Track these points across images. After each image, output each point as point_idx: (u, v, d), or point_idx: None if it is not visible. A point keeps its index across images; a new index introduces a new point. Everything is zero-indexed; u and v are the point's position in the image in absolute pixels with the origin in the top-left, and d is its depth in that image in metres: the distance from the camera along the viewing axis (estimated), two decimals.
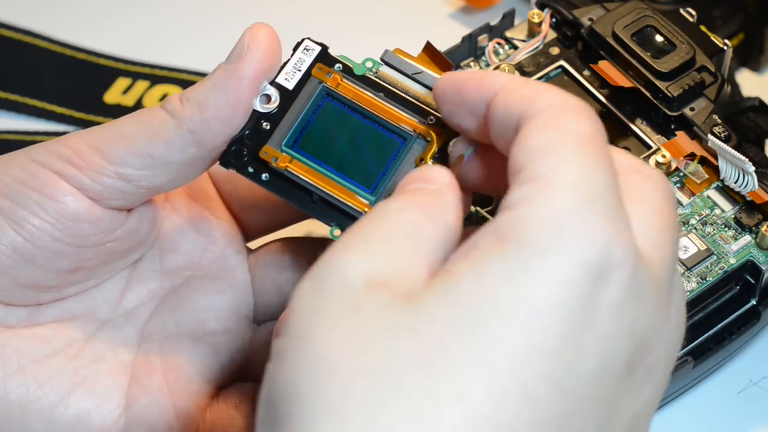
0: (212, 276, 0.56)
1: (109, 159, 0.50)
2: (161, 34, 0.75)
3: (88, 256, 0.52)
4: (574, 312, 0.40)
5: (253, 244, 0.59)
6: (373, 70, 0.52)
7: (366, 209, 0.50)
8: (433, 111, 0.51)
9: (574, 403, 0.40)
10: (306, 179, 0.51)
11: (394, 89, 0.52)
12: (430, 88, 0.52)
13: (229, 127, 0.50)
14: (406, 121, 0.51)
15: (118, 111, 0.71)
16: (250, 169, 0.51)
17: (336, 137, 0.51)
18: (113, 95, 0.72)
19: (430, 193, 0.45)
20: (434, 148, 0.51)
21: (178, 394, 0.53)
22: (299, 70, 0.52)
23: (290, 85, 0.51)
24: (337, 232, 0.50)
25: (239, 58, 0.50)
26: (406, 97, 0.52)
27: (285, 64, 0.52)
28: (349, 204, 0.50)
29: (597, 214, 0.40)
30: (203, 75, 0.73)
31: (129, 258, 0.54)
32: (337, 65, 0.52)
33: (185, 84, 0.72)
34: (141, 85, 0.72)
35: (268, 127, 0.51)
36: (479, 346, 0.39)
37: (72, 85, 0.72)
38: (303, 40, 0.52)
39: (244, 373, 0.56)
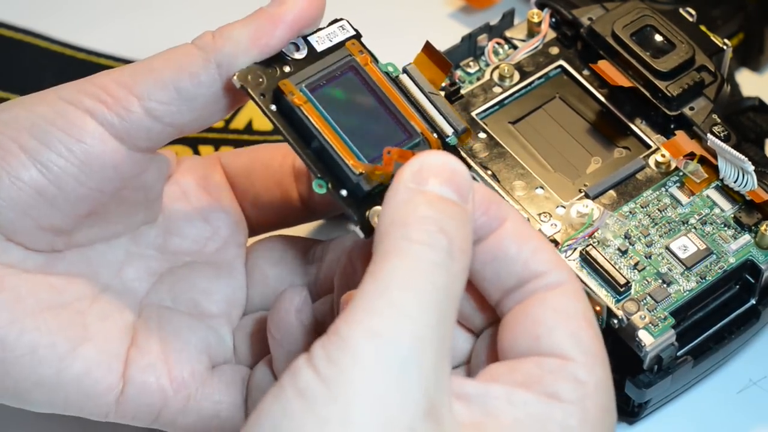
0: (212, 264, 0.57)
1: (136, 93, 0.50)
2: (161, 34, 0.75)
3: (104, 201, 0.52)
4: None
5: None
6: (394, 74, 0.53)
7: (361, 170, 0.50)
8: (437, 131, 0.52)
9: None
10: (314, 123, 0.51)
11: (409, 95, 0.52)
12: (440, 111, 0.52)
13: (258, 55, 0.51)
14: (418, 121, 0.52)
15: None
16: (262, 95, 0.51)
17: (349, 108, 0.52)
18: None
19: (453, 215, 0.46)
20: None
21: (173, 360, 0.54)
22: (330, 41, 0.53)
23: (319, 48, 0.52)
24: (320, 186, 0.50)
25: (281, 2, 0.51)
26: (419, 105, 0.52)
27: (318, 30, 0.53)
28: (346, 161, 0.50)
29: None
30: None
31: (134, 218, 0.55)
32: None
33: None
34: None
35: (288, 71, 0.52)
36: None
37: None
38: (341, 18, 0.53)
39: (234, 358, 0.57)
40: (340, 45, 0.53)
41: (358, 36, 0.53)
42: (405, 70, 0.53)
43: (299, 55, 0.52)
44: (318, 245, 0.57)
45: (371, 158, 0.51)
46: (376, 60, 0.53)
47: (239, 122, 0.71)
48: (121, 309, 0.55)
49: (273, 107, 0.51)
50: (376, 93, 0.52)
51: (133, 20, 0.75)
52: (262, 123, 0.71)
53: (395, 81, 0.53)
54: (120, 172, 0.52)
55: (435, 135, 0.52)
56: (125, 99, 0.51)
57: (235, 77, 0.51)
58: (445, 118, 0.52)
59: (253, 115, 0.71)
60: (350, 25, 0.53)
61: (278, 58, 0.52)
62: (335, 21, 0.53)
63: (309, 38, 0.52)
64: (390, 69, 0.53)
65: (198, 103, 0.51)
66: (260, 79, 0.51)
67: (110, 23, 0.75)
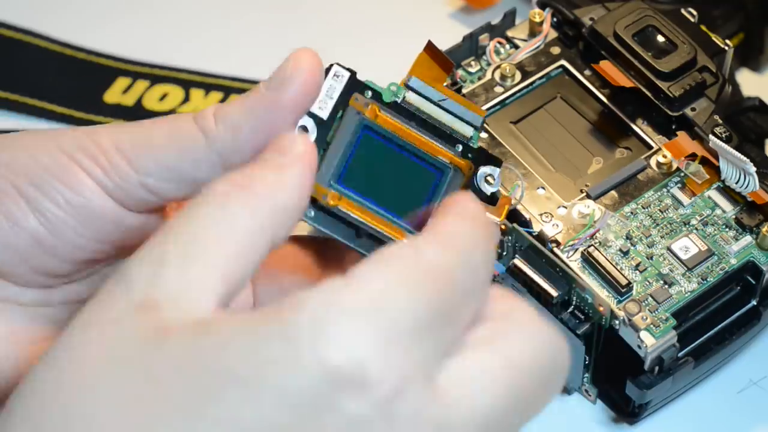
0: None
1: (135, 167, 0.49)
2: (161, 34, 0.75)
3: (106, 250, 0.52)
4: (301, 407, 0.38)
5: None
6: (399, 95, 0.51)
7: None
8: (459, 139, 0.51)
9: None
10: (356, 217, 0.49)
11: (423, 117, 0.51)
12: (454, 115, 0.52)
13: None
14: (443, 153, 0.51)
15: (118, 110, 0.71)
16: None
17: (376, 170, 0.50)
18: (113, 95, 0.72)
19: (267, 167, 0.44)
20: (465, 180, 0.51)
21: None
22: (331, 98, 0.50)
23: (324, 114, 0.50)
24: None
25: (280, 85, 0.48)
26: (435, 124, 0.51)
27: None
28: (397, 240, 0.49)
29: (379, 327, 0.39)
30: (202, 74, 0.73)
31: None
32: (367, 92, 0.51)
33: (185, 84, 0.72)
34: (141, 84, 0.72)
35: None
36: (175, 414, 0.38)
37: (72, 84, 0.72)
38: (331, 65, 0.51)
39: None
40: (343, 100, 0.50)
41: (353, 76, 0.51)
42: (409, 86, 0.51)
43: (311, 137, 0.49)
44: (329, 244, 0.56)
45: (417, 221, 0.50)
46: (378, 95, 0.51)
47: None
48: None
49: (311, 213, 0.49)
50: (395, 142, 0.51)
51: (133, 20, 0.75)
52: None
53: (405, 109, 0.51)
54: (120, 228, 0.51)
55: (460, 149, 0.51)
56: (124, 171, 0.49)
57: None
58: (461, 119, 0.52)
59: None
60: (342, 67, 0.51)
61: None
62: (327, 70, 0.50)
63: (311, 109, 0.50)
64: (393, 89, 0.51)
65: (197, 183, 0.49)
66: None
67: (110, 23, 0.75)
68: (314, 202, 0.49)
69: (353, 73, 0.51)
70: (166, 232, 0.42)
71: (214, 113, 0.49)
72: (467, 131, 0.52)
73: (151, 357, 0.39)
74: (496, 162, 0.52)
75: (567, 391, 0.60)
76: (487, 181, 0.51)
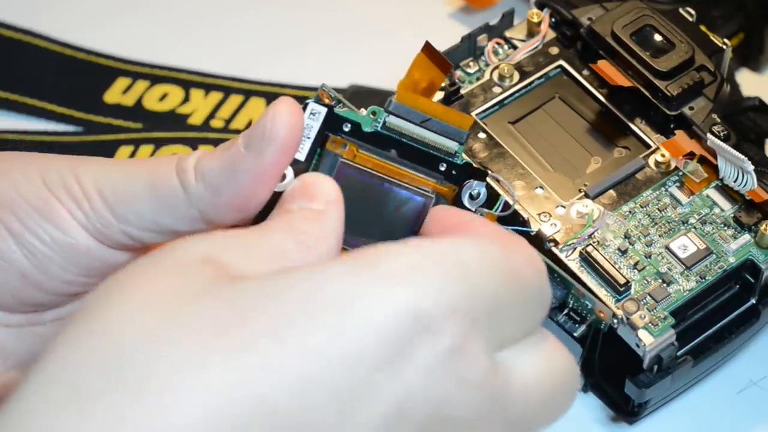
0: None
1: (116, 215, 0.49)
2: (161, 34, 0.75)
3: (93, 282, 0.52)
4: (382, 345, 0.39)
5: None
6: (379, 119, 0.50)
7: None
8: (444, 157, 0.50)
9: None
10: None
11: (405, 141, 0.50)
12: (438, 133, 0.51)
13: (242, 213, 0.48)
14: (425, 182, 0.50)
15: (118, 110, 0.71)
16: None
17: (359, 210, 0.49)
18: (113, 95, 0.72)
19: (309, 217, 0.45)
20: (449, 203, 0.51)
21: None
22: (308, 138, 0.49)
23: (302, 156, 0.49)
24: None
25: (260, 144, 0.47)
26: (419, 147, 0.50)
27: None
28: None
29: (466, 289, 0.40)
30: (202, 74, 0.73)
31: None
32: (345, 124, 0.50)
33: (185, 84, 0.72)
34: (141, 84, 0.72)
35: None
36: (271, 337, 0.39)
37: (72, 84, 0.72)
38: (307, 103, 0.50)
39: None
40: (321, 136, 0.49)
41: (330, 112, 0.50)
42: (389, 111, 0.50)
43: (289, 184, 0.48)
44: None
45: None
46: (357, 126, 0.50)
47: (239, 122, 0.71)
48: None
49: None
50: (375, 177, 0.50)
51: (133, 20, 0.75)
52: None
53: (386, 137, 0.50)
54: (106, 264, 0.50)
55: (444, 167, 0.50)
56: (106, 217, 0.49)
57: None
58: (446, 136, 0.51)
59: (254, 115, 0.71)
60: (318, 103, 0.50)
61: (273, 197, 0.48)
62: (303, 108, 0.49)
63: None
64: (373, 116, 0.50)
65: (176, 234, 0.49)
66: None
67: (110, 23, 0.75)
68: None
69: (330, 108, 0.50)
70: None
71: (195, 166, 0.48)
72: (452, 147, 0.50)
73: (230, 290, 0.40)
74: (481, 176, 0.51)
75: None
76: (471, 197, 0.51)
